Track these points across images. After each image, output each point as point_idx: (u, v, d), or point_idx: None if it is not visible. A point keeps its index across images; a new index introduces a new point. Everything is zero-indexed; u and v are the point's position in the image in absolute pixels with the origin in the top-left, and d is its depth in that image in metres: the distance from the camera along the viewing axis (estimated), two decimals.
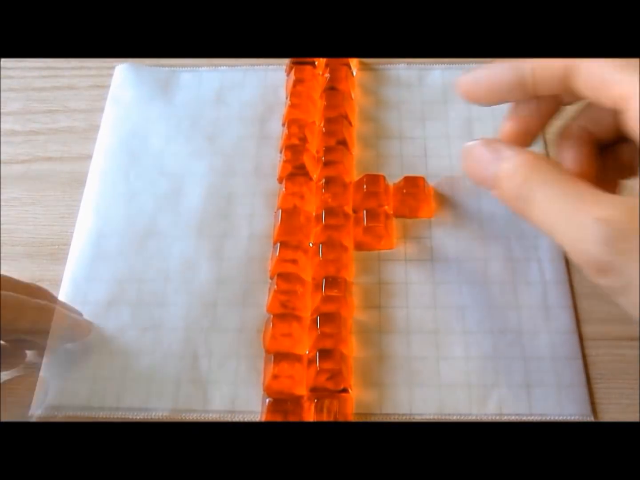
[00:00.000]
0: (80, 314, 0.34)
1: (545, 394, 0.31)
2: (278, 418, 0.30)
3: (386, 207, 0.36)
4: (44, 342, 0.33)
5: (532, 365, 0.32)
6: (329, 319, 0.32)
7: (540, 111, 0.29)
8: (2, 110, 0.42)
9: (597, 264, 0.23)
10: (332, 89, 0.40)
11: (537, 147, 0.37)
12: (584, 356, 0.32)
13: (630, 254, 0.22)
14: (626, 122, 0.25)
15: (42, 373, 0.32)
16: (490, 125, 0.39)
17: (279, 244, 0.34)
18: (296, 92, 0.40)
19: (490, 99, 0.29)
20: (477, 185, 0.28)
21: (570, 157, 0.28)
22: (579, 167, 0.27)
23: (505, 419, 0.31)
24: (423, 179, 0.37)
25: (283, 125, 0.40)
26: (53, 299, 0.33)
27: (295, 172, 0.37)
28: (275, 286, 0.33)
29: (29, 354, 0.33)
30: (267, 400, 0.31)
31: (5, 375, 0.32)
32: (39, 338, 0.32)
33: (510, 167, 0.26)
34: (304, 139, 0.38)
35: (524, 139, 0.29)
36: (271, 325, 0.32)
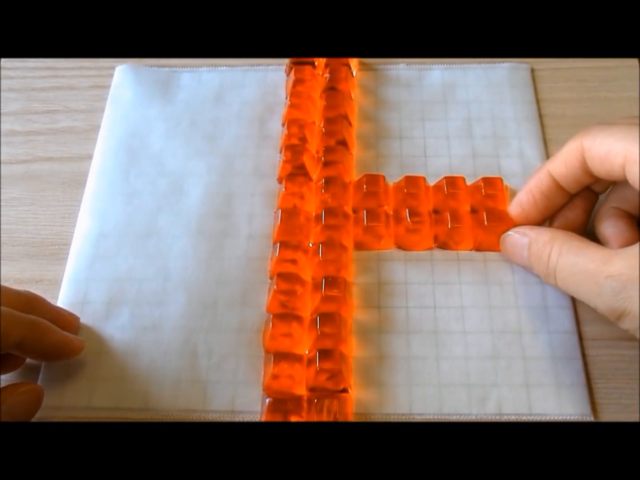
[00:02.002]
0: (78, 318, 0.34)
1: (545, 393, 0.31)
2: (278, 418, 0.30)
3: (386, 207, 0.36)
4: (33, 358, 0.32)
5: (531, 365, 0.32)
6: (328, 319, 0.32)
7: (578, 208, 0.33)
8: (2, 110, 0.42)
9: (614, 312, 0.27)
10: (332, 89, 0.40)
11: None
12: (584, 356, 0.32)
13: (635, 299, 0.26)
14: (633, 181, 0.28)
15: (41, 374, 0.32)
16: (489, 126, 0.39)
17: (278, 244, 0.34)
18: (296, 92, 0.40)
19: (540, 210, 0.33)
20: (518, 265, 0.34)
21: (610, 233, 0.31)
22: (622, 239, 0.31)
23: (504, 418, 0.30)
24: (423, 178, 0.37)
25: (283, 125, 0.40)
26: (48, 308, 0.32)
27: (295, 172, 0.37)
28: (275, 286, 0.33)
29: None
30: (267, 400, 0.31)
31: (6, 377, 0.32)
32: (27, 354, 0.31)
33: (533, 245, 0.31)
34: (303, 139, 0.38)
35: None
36: (271, 325, 0.32)
